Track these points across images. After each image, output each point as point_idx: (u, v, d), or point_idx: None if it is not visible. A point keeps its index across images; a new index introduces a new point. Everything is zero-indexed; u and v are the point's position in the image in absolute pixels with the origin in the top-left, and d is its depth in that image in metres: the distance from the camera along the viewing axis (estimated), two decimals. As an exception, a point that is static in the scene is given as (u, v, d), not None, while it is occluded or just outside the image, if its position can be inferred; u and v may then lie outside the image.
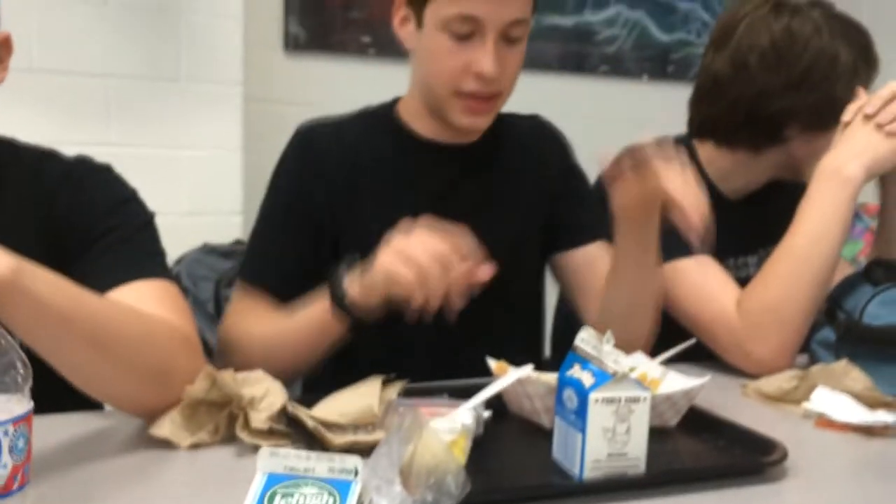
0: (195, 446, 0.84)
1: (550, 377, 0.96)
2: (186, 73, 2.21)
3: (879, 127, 1.15)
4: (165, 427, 0.84)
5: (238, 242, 1.83)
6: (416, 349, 1.15)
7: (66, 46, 2.09)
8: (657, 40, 3.03)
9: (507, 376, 0.91)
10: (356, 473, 0.59)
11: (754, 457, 0.84)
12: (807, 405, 1.01)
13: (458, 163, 1.19)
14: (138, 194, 1.10)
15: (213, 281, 1.61)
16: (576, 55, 2.91)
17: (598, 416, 0.75)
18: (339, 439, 0.82)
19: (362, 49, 2.59)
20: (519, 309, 1.26)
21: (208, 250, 1.68)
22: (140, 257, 0.99)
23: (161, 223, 2.16)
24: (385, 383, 0.93)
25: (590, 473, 0.76)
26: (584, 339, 0.81)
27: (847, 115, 1.18)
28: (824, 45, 1.24)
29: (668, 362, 1.01)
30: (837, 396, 1.00)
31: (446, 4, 1.05)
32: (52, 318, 0.74)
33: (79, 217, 0.97)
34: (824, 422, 0.98)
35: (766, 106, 1.27)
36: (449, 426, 0.81)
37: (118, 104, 2.15)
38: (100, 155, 2.12)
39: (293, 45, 2.53)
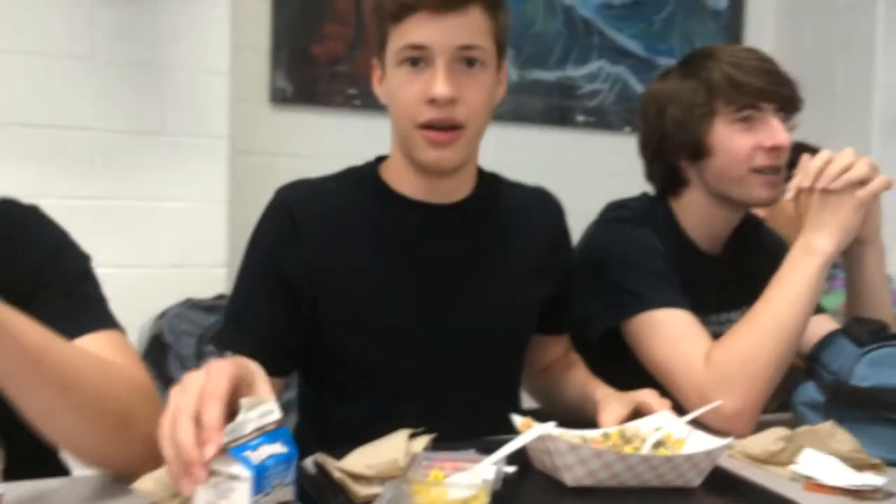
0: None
1: (573, 434, 0.97)
2: (172, 127, 2.22)
3: (826, 193, 1.19)
4: (149, 482, 0.83)
5: (221, 297, 1.81)
6: (406, 401, 1.14)
7: (52, 100, 2.09)
8: (637, 94, 3.08)
9: (529, 432, 0.91)
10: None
11: None
12: (794, 468, 1.01)
13: (446, 224, 1.16)
14: (69, 236, 1.09)
15: (195, 336, 1.60)
16: (558, 108, 2.96)
17: (201, 486, 0.70)
18: (364, 490, 0.84)
19: (348, 101, 2.62)
20: (504, 373, 1.25)
21: (191, 305, 1.67)
22: (84, 309, 0.98)
23: (144, 275, 2.19)
24: (412, 437, 0.94)
25: None
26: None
27: (789, 195, 1.24)
28: (677, 91, 1.39)
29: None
30: (825, 459, 1.00)
31: (397, 39, 1.07)
32: (25, 358, 0.75)
33: (16, 264, 0.96)
34: (813, 485, 0.97)
35: (665, 151, 1.40)
36: (469, 481, 0.81)
37: (103, 157, 2.15)
38: (85, 207, 2.13)
39: (280, 98, 2.56)
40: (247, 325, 1.12)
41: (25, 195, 2.05)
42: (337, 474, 0.86)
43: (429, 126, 1.07)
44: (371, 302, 1.12)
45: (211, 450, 0.69)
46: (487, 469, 0.85)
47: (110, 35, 2.13)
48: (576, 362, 1.33)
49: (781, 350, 1.17)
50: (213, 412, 0.71)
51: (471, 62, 1.07)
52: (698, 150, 1.35)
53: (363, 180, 1.18)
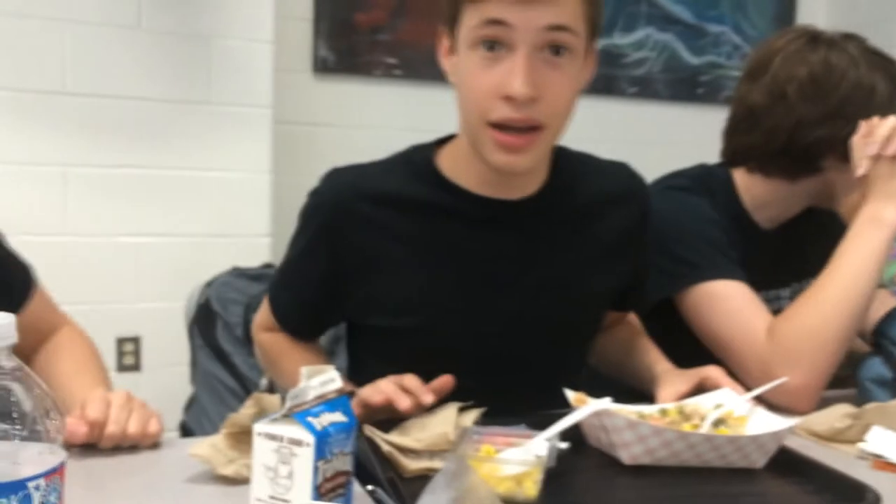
0: (234, 480, 0.81)
1: (630, 410, 0.95)
2: (217, 97, 2.22)
3: (892, 160, 1.15)
4: (205, 448, 0.83)
5: (267, 266, 1.82)
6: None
7: (99, 70, 2.10)
8: (686, 63, 3.00)
9: (584, 408, 0.89)
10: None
11: (844, 501, 0.80)
12: (862, 446, 0.98)
13: (509, 221, 1.04)
14: None
15: (242, 304, 1.60)
16: (604, 78, 2.89)
17: (261, 452, 0.71)
18: (413, 464, 0.83)
19: (389, 71, 2.59)
20: (570, 360, 1.18)
21: (238, 273, 1.67)
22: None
23: (191, 244, 2.21)
24: (462, 410, 0.92)
25: None
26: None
27: (859, 169, 1.18)
28: (861, 76, 1.25)
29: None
30: (894, 437, 0.96)
31: (472, 13, 0.91)
32: None
33: None
34: (882, 464, 0.94)
35: (803, 136, 1.27)
36: (522, 457, 0.80)
37: (149, 127, 2.16)
38: (131, 177, 2.15)
39: (322, 67, 2.54)
40: (290, 291, 1.15)
41: (73, 164, 2.09)
42: (386, 447, 0.85)
43: (501, 126, 0.93)
44: (421, 298, 1.04)
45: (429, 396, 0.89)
46: (540, 445, 0.83)
47: (156, 4, 2.13)
48: (632, 320, 1.29)
49: (847, 323, 1.14)
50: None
51: (557, 50, 0.91)
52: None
53: (418, 169, 1.06)
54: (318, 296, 1.10)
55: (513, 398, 0.97)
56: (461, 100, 0.98)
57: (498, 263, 1.04)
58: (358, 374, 1.22)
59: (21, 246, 2.05)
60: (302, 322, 1.16)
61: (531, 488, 0.78)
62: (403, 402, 0.89)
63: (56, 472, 0.52)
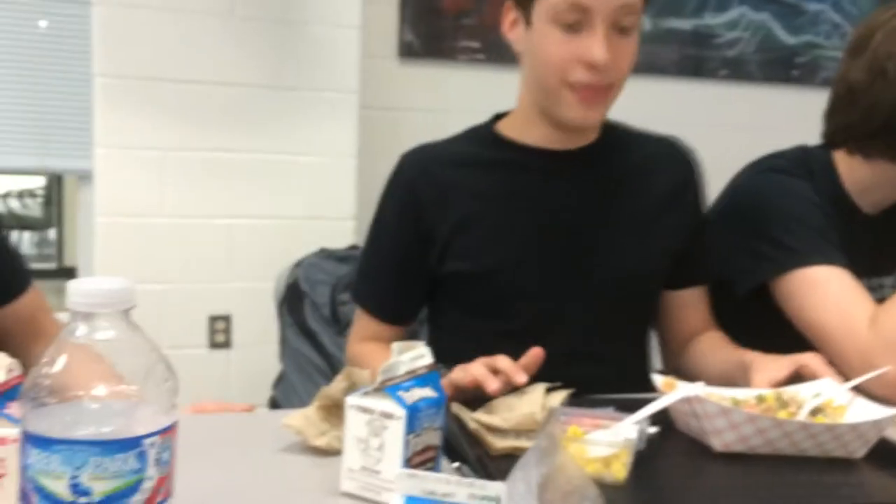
0: (326, 452, 0.83)
1: (723, 396, 0.93)
2: (305, 82, 2.26)
3: None
4: (298, 419, 0.85)
5: (353, 248, 1.85)
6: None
7: (194, 56, 2.17)
8: (782, 43, 2.88)
9: (674, 393, 0.88)
10: (498, 501, 0.57)
11: None
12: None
13: (570, 168, 1.16)
14: None
15: (329, 285, 1.63)
16: (694, 59, 2.81)
17: (353, 424, 0.73)
18: (500, 443, 0.84)
19: (473, 55, 2.58)
20: (633, 319, 1.22)
21: (325, 255, 1.71)
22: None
23: (280, 226, 2.27)
24: (550, 391, 0.93)
25: (345, 483, 0.73)
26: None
27: None
28: None
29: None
30: None
31: None
32: None
33: None
34: None
35: None
36: (611, 439, 0.79)
37: (240, 112, 2.22)
38: (222, 160, 2.22)
39: (407, 52, 2.55)
40: (372, 284, 1.23)
41: (167, 148, 2.17)
42: (473, 426, 0.86)
43: (580, 86, 1.07)
44: (494, 246, 1.14)
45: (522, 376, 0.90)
46: (629, 428, 0.82)
47: (248, -10, 2.19)
48: (722, 338, 1.25)
49: None
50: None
51: (623, 29, 1.06)
52: None
53: (482, 136, 1.21)
54: (409, 259, 1.17)
55: (580, 357, 1.06)
56: (535, 65, 1.10)
57: (561, 212, 1.15)
58: (438, 345, 1.24)
59: (121, 227, 2.16)
60: (396, 299, 1.21)
61: (620, 471, 0.77)
62: (492, 385, 0.90)
63: (169, 432, 0.55)
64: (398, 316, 1.22)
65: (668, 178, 1.21)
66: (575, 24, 1.04)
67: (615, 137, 1.20)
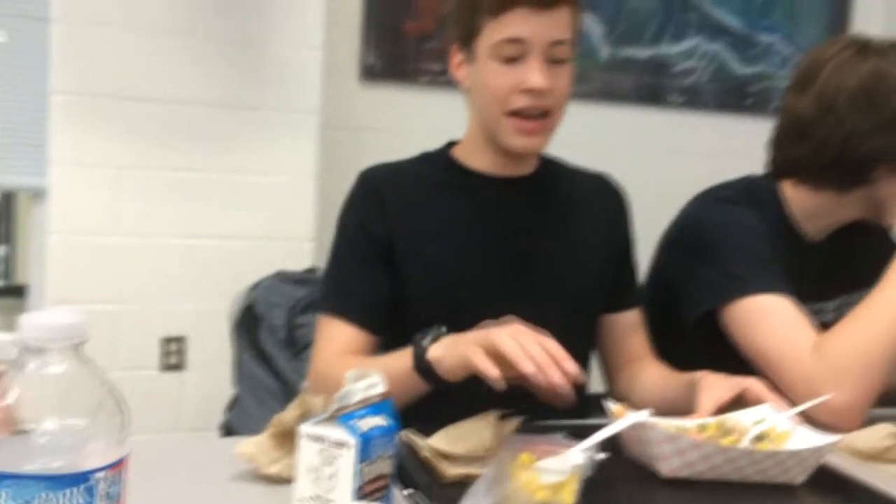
0: (278, 480, 0.83)
1: (669, 423, 0.95)
2: (266, 102, 2.26)
3: None
4: (251, 446, 0.85)
5: (310, 270, 1.85)
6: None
7: (154, 74, 2.16)
8: (736, 73, 2.97)
9: (623, 419, 0.90)
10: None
11: None
12: (905, 467, 0.96)
13: (517, 193, 1.23)
14: None
15: (286, 308, 1.63)
16: (651, 87, 2.88)
17: (305, 452, 0.73)
18: (451, 470, 0.85)
19: (435, 78, 2.61)
20: (575, 343, 1.23)
21: (282, 277, 1.71)
22: None
23: (237, 247, 2.25)
24: (502, 418, 0.94)
25: None
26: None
27: None
28: None
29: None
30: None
31: (494, 32, 1.12)
32: None
33: None
34: (926, 487, 0.92)
35: (853, 148, 1.25)
36: (560, 466, 0.80)
37: (200, 131, 2.21)
38: (181, 179, 2.20)
39: (369, 74, 2.57)
40: (349, 290, 1.21)
41: (123, 166, 2.15)
42: (425, 453, 0.87)
43: (518, 114, 1.13)
44: (448, 267, 1.19)
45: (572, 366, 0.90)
46: (578, 455, 0.84)
47: (210, 10, 2.18)
48: (661, 365, 1.28)
49: None
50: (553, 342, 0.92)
51: (557, 61, 1.13)
52: None
53: (436, 160, 1.27)
54: (379, 261, 1.18)
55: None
56: (481, 100, 1.18)
57: (508, 235, 1.21)
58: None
59: (74, 245, 2.13)
60: (374, 301, 1.19)
61: (568, 497, 0.79)
62: (555, 377, 0.90)
63: (118, 466, 0.55)
64: (376, 320, 1.19)
65: (601, 210, 1.30)
66: (513, 58, 1.12)
67: (552, 170, 1.29)
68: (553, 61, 1.13)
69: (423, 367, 1.00)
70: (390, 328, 1.22)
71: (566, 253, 1.24)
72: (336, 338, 1.18)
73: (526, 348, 0.90)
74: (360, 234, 1.21)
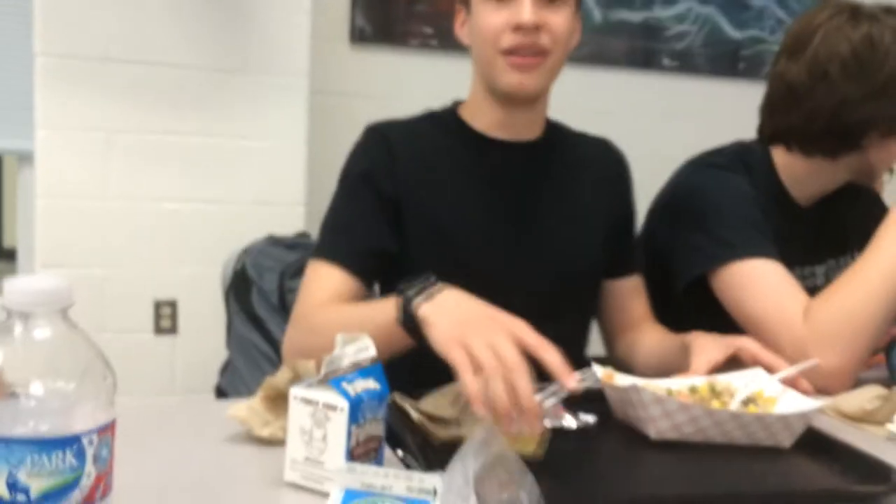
0: (270, 442, 0.84)
1: (659, 386, 0.96)
2: (255, 66, 2.24)
3: None
4: (243, 409, 0.86)
5: (302, 235, 1.84)
6: None
7: (142, 37, 2.12)
8: (728, 37, 2.94)
9: (591, 377, 0.92)
10: (435, 493, 0.58)
11: (869, 483, 0.80)
12: (891, 427, 0.98)
13: (522, 158, 1.23)
14: None
15: (277, 272, 1.62)
16: (643, 51, 2.85)
17: (297, 415, 0.74)
18: (442, 432, 0.85)
19: (426, 41, 2.58)
20: (576, 307, 1.26)
21: (273, 242, 1.70)
22: None
23: (227, 212, 2.24)
24: None
25: (289, 474, 0.74)
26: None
27: None
28: None
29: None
30: (924, 421, 0.96)
31: None
32: None
33: None
34: (910, 447, 0.93)
35: (846, 115, 1.25)
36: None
37: (189, 95, 2.19)
38: (169, 143, 2.18)
39: (359, 37, 2.54)
40: (345, 235, 1.18)
41: (116, 130, 2.13)
42: (415, 416, 0.87)
43: (513, 52, 1.12)
44: (454, 229, 1.18)
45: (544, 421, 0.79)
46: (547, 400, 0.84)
47: (196, -29, 2.14)
48: (660, 328, 1.30)
49: (886, 307, 1.13)
50: (526, 385, 0.76)
51: (552, 0, 1.12)
52: None
53: (444, 120, 1.26)
54: (382, 208, 1.17)
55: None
56: (477, 44, 1.17)
57: (513, 199, 1.20)
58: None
59: (63, 209, 2.11)
60: (370, 248, 1.16)
61: (529, 445, 0.80)
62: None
63: (107, 429, 0.55)
64: (368, 269, 1.16)
65: (603, 175, 1.29)
66: None
67: (556, 135, 1.27)
68: (546, 2, 1.12)
69: (409, 322, 0.92)
70: (387, 282, 1.21)
71: (569, 221, 1.23)
72: (324, 283, 1.14)
73: (491, 386, 0.77)
74: (367, 183, 1.18)
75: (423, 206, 1.18)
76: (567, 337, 1.21)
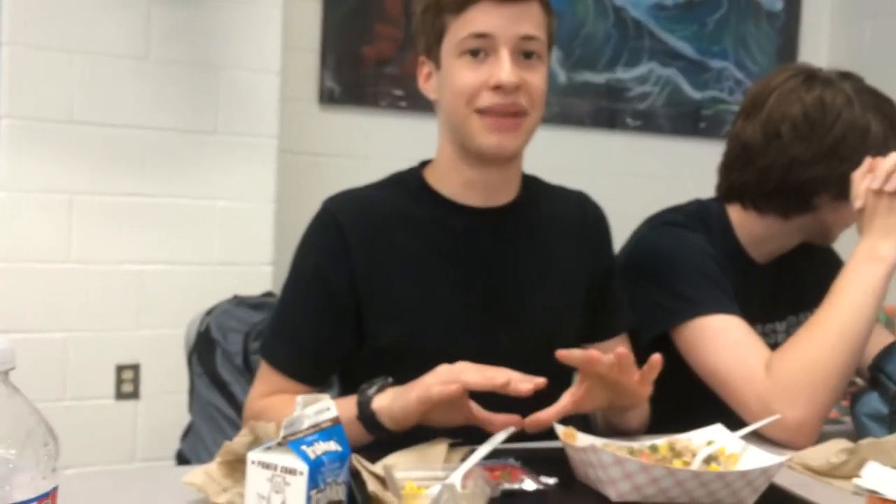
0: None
1: (620, 445, 0.95)
2: (223, 126, 2.25)
3: (893, 196, 1.16)
4: (199, 476, 0.83)
5: (268, 294, 1.83)
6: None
7: (107, 99, 2.13)
8: (689, 97, 3.03)
9: (499, 435, 0.92)
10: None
11: None
12: (857, 481, 0.97)
13: (491, 227, 1.17)
14: None
15: (242, 333, 1.61)
16: (608, 111, 2.92)
17: (254, 480, 0.72)
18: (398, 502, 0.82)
19: (394, 103, 2.62)
20: (560, 374, 1.19)
21: (238, 302, 1.68)
22: None
23: (194, 272, 2.22)
24: (452, 446, 0.93)
25: None
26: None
27: (857, 201, 1.20)
28: (855, 116, 1.26)
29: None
30: (890, 473, 0.96)
31: (458, 29, 1.07)
32: None
33: None
34: (877, 500, 0.92)
35: (796, 175, 1.28)
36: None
37: (155, 156, 2.19)
38: (135, 205, 2.17)
39: (328, 98, 2.57)
40: (290, 338, 1.15)
41: (80, 192, 2.11)
42: (371, 486, 0.84)
43: (489, 111, 1.07)
44: (420, 305, 1.12)
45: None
46: (456, 475, 0.84)
47: (164, 35, 2.17)
48: None
49: (846, 359, 1.14)
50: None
51: (529, 55, 1.08)
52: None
53: (409, 186, 1.19)
54: (332, 309, 1.11)
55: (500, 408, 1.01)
56: (448, 102, 1.11)
57: (483, 270, 1.15)
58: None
59: (22, 272, 2.08)
60: (315, 358, 1.14)
61: None
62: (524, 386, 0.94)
63: (48, 497, 0.53)
64: (313, 377, 1.15)
65: (580, 232, 1.24)
66: (479, 53, 1.07)
67: (531, 193, 1.22)
68: (524, 56, 1.07)
69: (366, 417, 0.98)
70: (359, 373, 1.14)
71: (547, 286, 1.18)
72: (270, 382, 1.15)
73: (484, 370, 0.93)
74: (317, 281, 1.12)
75: (384, 285, 1.11)
76: (547, 395, 1.20)
